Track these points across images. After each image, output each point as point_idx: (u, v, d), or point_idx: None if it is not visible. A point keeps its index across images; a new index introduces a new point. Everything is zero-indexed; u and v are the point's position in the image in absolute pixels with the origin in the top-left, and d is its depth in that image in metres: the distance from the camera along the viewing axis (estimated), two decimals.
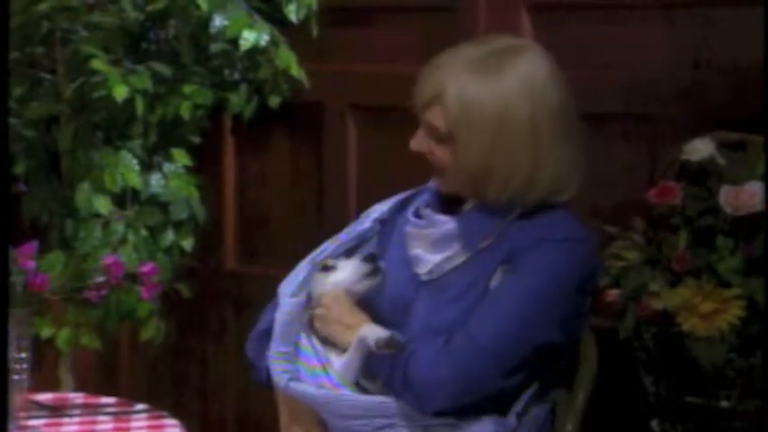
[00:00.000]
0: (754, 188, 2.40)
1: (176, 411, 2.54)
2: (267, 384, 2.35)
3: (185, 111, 3.16)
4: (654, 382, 2.52)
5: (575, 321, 2.24)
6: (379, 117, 3.19)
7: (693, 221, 2.45)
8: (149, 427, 2.44)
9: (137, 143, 3.19)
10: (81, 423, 2.45)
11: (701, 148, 2.52)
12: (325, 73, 3.32)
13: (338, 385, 2.25)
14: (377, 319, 2.28)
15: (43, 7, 2.99)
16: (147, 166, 3.22)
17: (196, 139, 3.34)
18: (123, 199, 3.18)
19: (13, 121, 3.07)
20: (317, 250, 2.39)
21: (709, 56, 2.74)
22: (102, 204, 3.13)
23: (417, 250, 2.31)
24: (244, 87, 3.32)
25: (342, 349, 2.28)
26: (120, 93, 2.97)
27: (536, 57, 2.24)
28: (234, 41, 3.15)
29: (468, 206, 2.31)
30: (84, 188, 3.12)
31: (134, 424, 2.45)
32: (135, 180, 3.16)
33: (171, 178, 3.25)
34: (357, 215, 2.51)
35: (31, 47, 3.07)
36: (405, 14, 3.27)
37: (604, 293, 2.46)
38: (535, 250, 2.20)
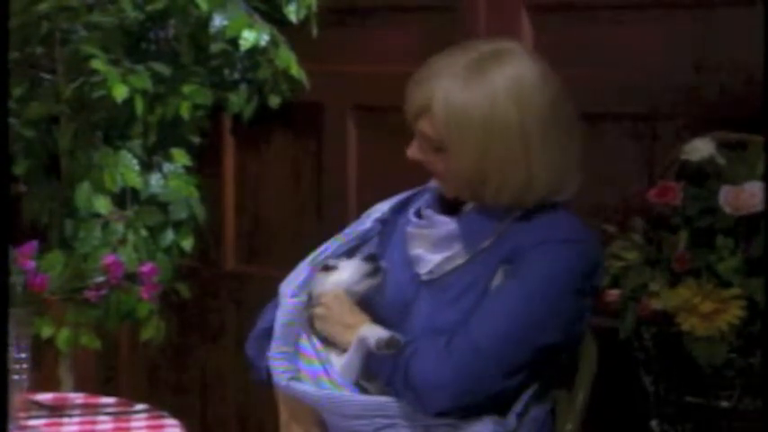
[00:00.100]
0: (754, 188, 2.40)
1: (176, 411, 2.54)
2: (267, 384, 2.35)
3: (185, 111, 3.15)
4: (654, 382, 2.52)
5: (575, 322, 2.24)
6: (379, 117, 3.19)
7: (693, 221, 2.45)
8: (149, 427, 2.44)
9: (136, 143, 3.19)
10: (81, 423, 2.45)
11: (701, 148, 2.51)
12: (325, 73, 3.32)
13: (338, 385, 2.25)
14: (377, 319, 2.28)
15: (43, 7, 2.99)
16: (146, 166, 3.22)
17: (196, 139, 3.34)
18: (123, 199, 3.18)
19: (13, 121, 3.07)
20: (318, 250, 2.39)
21: (709, 56, 2.74)
22: (102, 204, 3.13)
23: (418, 250, 2.31)
24: (244, 87, 3.32)
25: (342, 349, 2.28)
26: (120, 93, 2.96)
27: (524, 60, 2.23)
28: (234, 41, 3.15)
29: (468, 207, 2.31)
30: (84, 188, 3.12)
31: (134, 424, 2.45)
32: (135, 180, 3.16)
33: (171, 178, 3.25)
34: (357, 215, 2.51)
35: (31, 47, 3.07)
36: (405, 14, 3.27)
37: (604, 293, 2.46)
38: (536, 251, 2.20)
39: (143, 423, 2.46)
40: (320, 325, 2.31)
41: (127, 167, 3.16)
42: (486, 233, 2.26)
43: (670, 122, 2.77)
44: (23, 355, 2.31)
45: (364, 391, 2.26)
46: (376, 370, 2.24)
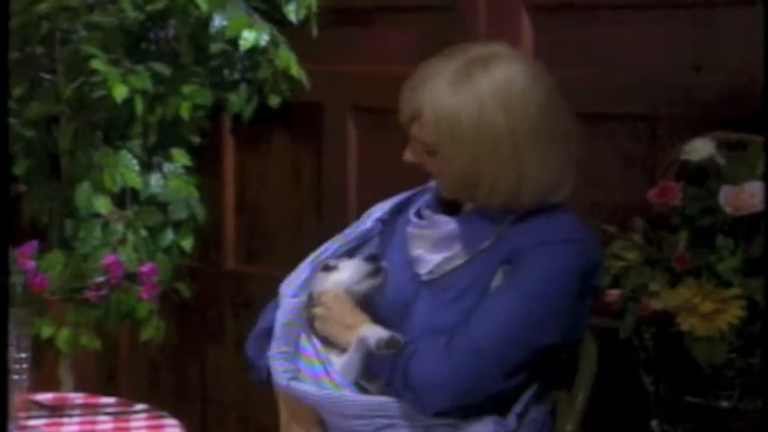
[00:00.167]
0: (754, 188, 2.40)
1: (176, 411, 2.54)
2: (267, 384, 2.35)
3: (185, 111, 3.16)
4: (654, 382, 2.52)
5: (575, 322, 2.24)
6: (379, 117, 3.19)
7: (693, 221, 2.45)
8: (149, 427, 2.44)
9: (136, 143, 3.19)
10: (81, 423, 2.45)
11: (700, 148, 2.51)
12: (325, 73, 3.32)
13: (339, 385, 2.25)
14: (377, 319, 2.28)
15: (43, 7, 2.99)
16: (146, 166, 3.22)
17: (196, 139, 3.34)
18: (123, 199, 3.18)
19: (13, 121, 3.07)
20: (319, 250, 2.39)
21: (709, 56, 2.74)
22: (102, 204, 3.13)
23: (418, 251, 2.31)
24: (244, 87, 3.32)
25: (342, 349, 2.28)
26: (120, 93, 2.96)
27: (514, 64, 2.23)
28: (234, 41, 3.15)
29: (468, 207, 2.31)
30: (84, 188, 3.12)
31: (134, 424, 2.45)
32: (135, 180, 3.16)
33: (170, 178, 3.25)
34: (357, 215, 2.51)
35: (31, 47, 3.07)
36: (405, 14, 3.27)
37: (604, 293, 2.46)
38: (535, 251, 2.20)
39: (143, 423, 2.46)
40: (320, 325, 2.31)
41: (127, 167, 3.16)
42: (485, 233, 2.26)
43: (670, 122, 2.77)
44: (23, 355, 2.32)
45: (364, 391, 2.26)
46: (376, 370, 2.24)
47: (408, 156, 2.30)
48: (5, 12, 2.28)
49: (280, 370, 2.29)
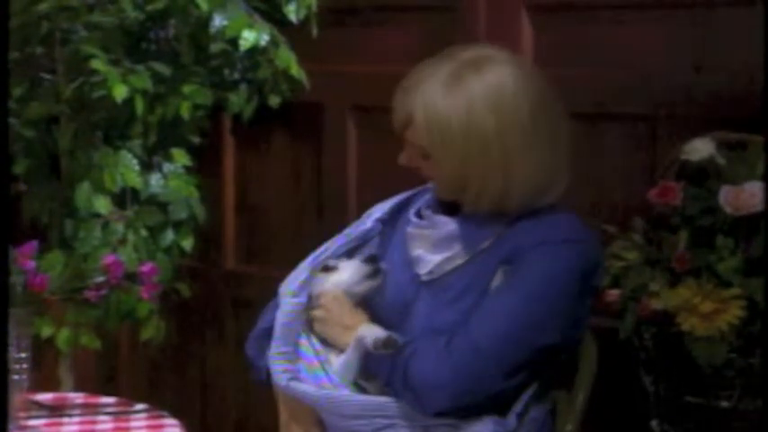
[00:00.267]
0: (754, 188, 2.40)
1: (176, 411, 2.54)
2: (267, 384, 2.35)
3: (185, 111, 3.15)
4: (654, 382, 2.52)
5: (575, 322, 2.24)
6: (379, 117, 3.18)
7: (693, 221, 2.45)
8: (149, 426, 2.44)
9: (136, 143, 3.19)
10: (81, 423, 2.45)
11: (700, 148, 2.51)
12: (325, 73, 3.32)
13: (338, 385, 2.25)
14: (378, 319, 2.28)
15: (43, 7, 2.99)
16: (146, 166, 3.22)
17: (196, 139, 3.34)
18: (123, 199, 3.18)
19: (13, 121, 3.07)
20: (319, 250, 2.40)
21: (709, 56, 2.74)
22: (102, 204, 3.13)
23: (418, 251, 2.31)
24: (244, 87, 3.32)
25: (341, 350, 2.28)
26: (120, 93, 2.96)
27: (505, 68, 2.23)
28: (234, 41, 3.15)
29: (468, 207, 2.31)
30: (84, 188, 3.12)
31: (134, 424, 2.45)
32: (135, 180, 3.16)
33: (171, 178, 3.25)
34: (357, 215, 2.51)
35: (31, 47, 3.07)
36: (405, 14, 3.27)
37: (604, 293, 2.46)
38: (535, 251, 2.20)
39: (143, 423, 2.46)
40: (319, 327, 2.31)
41: (127, 167, 3.16)
42: (485, 234, 2.26)
43: (670, 122, 2.77)
44: (23, 355, 2.32)
45: (363, 391, 2.26)
46: (375, 370, 2.24)
47: (403, 160, 2.31)
48: (5, 12, 2.28)
49: (279, 370, 2.29)
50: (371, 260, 2.33)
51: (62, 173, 3.16)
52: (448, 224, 2.29)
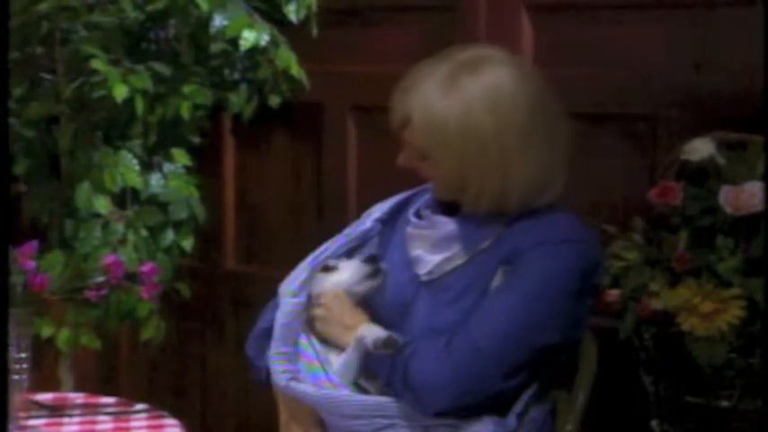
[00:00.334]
0: (754, 188, 2.40)
1: (176, 411, 2.54)
2: (267, 384, 2.35)
3: (185, 111, 3.15)
4: (654, 382, 2.52)
5: (575, 322, 2.24)
6: (379, 117, 3.18)
7: (693, 221, 2.45)
8: (149, 427, 2.44)
9: (137, 143, 3.19)
10: (81, 423, 2.45)
11: (700, 148, 2.51)
12: (325, 73, 3.32)
13: (338, 385, 2.25)
14: (378, 319, 2.28)
15: (43, 7, 2.99)
16: (146, 166, 3.22)
17: (196, 139, 3.34)
18: (123, 199, 3.18)
19: (13, 121, 3.07)
20: (318, 250, 2.40)
21: (709, 56, 2.74)
22: (102, 204, 3.13)
23: (418, 251, 2.31)
24: (244, 87, 3.32)
25: (341, 349, 2.28)
26: (120, 93, 2.96)
27: (502, 68, 2.23)
28: (234, 41, 3.15)
29: (467, 207, 2.31)
30: (84, 188, 3.12)
31: (134, 424, 2.45)
32: (135, 180, 3.16)
33: (171, 178, 3.25)
34: (357, 215, 2.51)
35: (31, 47, 3.07)
36: (405, 14, 3.27)
37: (604, 293, 2.46)
38: (535, 251, 2.20)
39: (143, 423, 2.46)
40: (320, 326, 2.31)
41: (127, 167, 3.16)
42: (485, 234, 2.26)
43: (670, 122, 2.77)
44: (23, 355, 2.32)
45: (364, 390, 2.26)
46: (375, 370, 2.24)
47: (402, 161, 2.31)
48: (5, 12, 2.28)
49: (279, 370, 2.29)
50: (371, 260, 2.33)
51: (62, 173, 3.16)
52: (447, 224, 2.29)
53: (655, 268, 2.46)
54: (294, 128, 3.50)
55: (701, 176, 2.50)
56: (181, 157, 3.26)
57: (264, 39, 3.16)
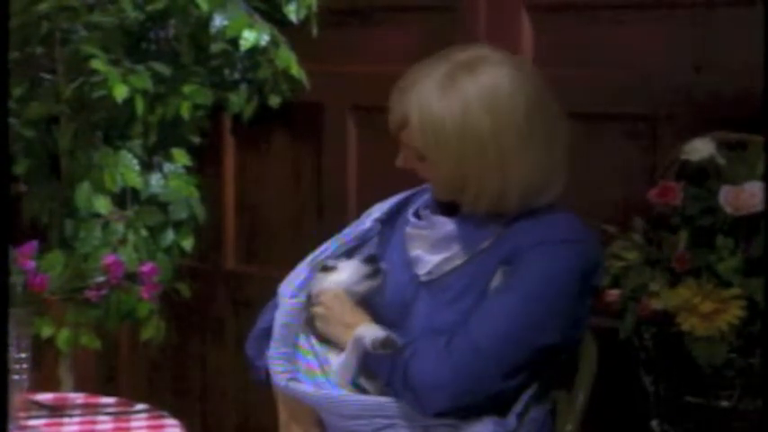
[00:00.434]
0: (754, 188, 2.40)
1: (176, 411, 2.54)
2: (266, 384, 2.35)
3: (185, 111, 3.15)
4: (654, 382, 2.52)
5: (575, 322, 2.24)
6: (379, 117, 3.18)
7: (693, 221, 2.45)
8: (149, 427, 2.44)
9: (137, 143, 3.19)
10: (81, 423, 2.45)
11: (700, 148, 2.51)
12: (325, 73, 3.32)
13: (337, 385, 2.25)
14: (378, 319, 2.28)
15: (43, 7, 2.99)
16: (147, 166, 3.22)
17: (196, 139, 3.34)
18: (123, 199, 3.18)
19: (13, 121, 3.07)
20: (318, 250, 2.40)
21: (708, 56, 2.74)
22: (102, 204, 3.13)
23: (417, 251, 2.31)
24: (244, 87, 3.32)
25: (341, 349, 2.28)
26: (120, 93, 2.96)
27: (501, 68, 2.23)
28: (234, 41, 3.15)
29: (466, 208, 2.31)
30: (84, 188, 3.12)
31: (134, 424, 2.45)
32: (135, 180, 3.16)
33: (171, 178, 3.25)
34: (357, 215, 2.51)
35: (31, 47, 3.07)
36: (405, 14, 3.27)
37: (604, 293, 2.46)
38: (534, 251, 2.20)
39: (143, 423, 2.46)
40: (321, 325, 2.31)
41: (127, 167, 3.16)
42: (484, 234, 2.26)
43: (670, 122, 2.77)
44: (23, 355, 2.31)
45: (363, 390, 2.26)
46: (374, 370, 2.24)
47: (400, 162, 2.31)
48: (5, 12, 2.28)
49: (278, 370, 2.29)
50: (371, 260, 2.33)
51: (62, 173, 3.16)
52: (446, 224, 2.29)
53: (655, 268, 2.46)
54: (294, 128, 3.50)
55: (701, 176, 2.50)
56: (181, 157, 3.26)
57: (264, 39, 3.16)
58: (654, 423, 2.53)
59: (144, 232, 3.18)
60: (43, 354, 3.06)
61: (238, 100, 3.31)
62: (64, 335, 3.02)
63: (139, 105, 3.02)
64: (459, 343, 2.17)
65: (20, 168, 3.16)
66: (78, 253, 3.08)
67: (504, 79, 2.21)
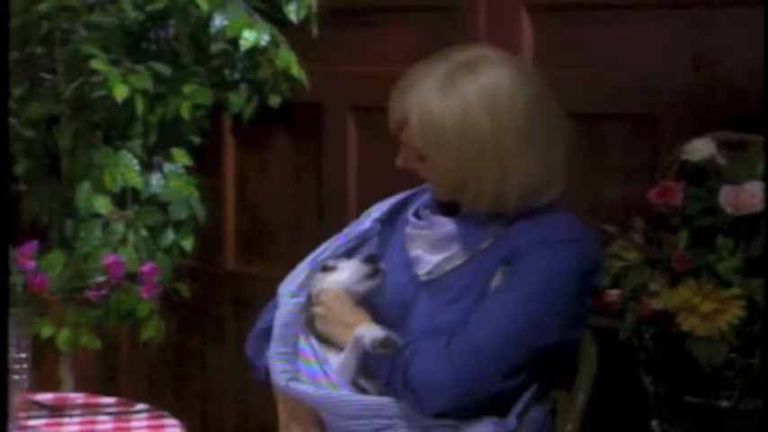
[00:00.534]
0: (754, 188, 2.40)
1: (176, 411, 2.54)
2: (266, 384, 2.35)
3: (185, 111, 3.16)
4: (654, 382, 2.52)
5: (575, 322, 2.24)
6: (379, 117, 3.18)
7: (693, 221, 2.45)
8: (149, 427, 2.44)
9: (137, 143, 3.19)
10: (81, 423, 2.45)
11: (700, 148, 2.51)
12: (325, 73, 3.32)
13: (336, 385, 2.25)
14: (378, 319, 2.28)
15: (43, 7, 2.99)
16: (147, 166, 3.22)
17: (196, 139, 3.34)
18: (123, 199, 3.18)
19: (13, 121, 3.07)
20: (318, 250, 2.39)
21: (709, 56, 2.74)
22: (102, 204, 3.13)
23: (417, 251, 2.31)
24: (244, 87, 3.32)
25: (341, 349, 2.28)
26: (120, 93, 2.97)
27: (500, 68, 2.22)
28: (234, 41, 3.15)
29: (466, 208, 2.31)
30: (84, 188, 3.12)
31: (134, 424, 2.45)
32: (135, 180, 3.16)
33: (171, 178, 3.25)
34: (357, 215, 2.51)
35: (31, 47, 3.07)
36: (405, 14, 3.27)
37: (604, 293, 2.46)
38: (534, 251, 2.20)
39: (143, 423, 2.46)
40: (321, 325, 2.31)
41: (127, 167, 3.16)
42: (484, 234, 2.26)
43: (670, 122, 2.77)
44: (23, 355, 2.31)
45: (363, 390, 2.26)
46: (374, 370, 2.24)
47: (400, 162, 2.31)
48: (5, 12, 2.28)
49: (278, 370, 2.29)
50: (370, 260, 2.33)
51: (62, 173, 3.16)
52: (446, 224, 2.29)
53: (655, 268, 2.46)
54: (294, 128, 3.50)
55: (701, 176, 2.50)
56: (181, 157, 3.26)
57: (264, 39, 3.16)
58: (654, 423, 2.53)
59: (144, 232, 3.18)
60: (43, 354, 3.06)
61: (238, 100, 3.32)
62: (64, 335, 3.02)
63: (139, 105, 3.02)
64: (459, 343, 2.17)
65: (20, 168, 3.16)
66: (78, 253, 3.08)
67: (504, 79, 2.21)
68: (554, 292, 2.19)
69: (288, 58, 3.21)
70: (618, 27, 2.87)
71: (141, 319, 3.02)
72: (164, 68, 3.11)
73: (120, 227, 3.15)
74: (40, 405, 2.51)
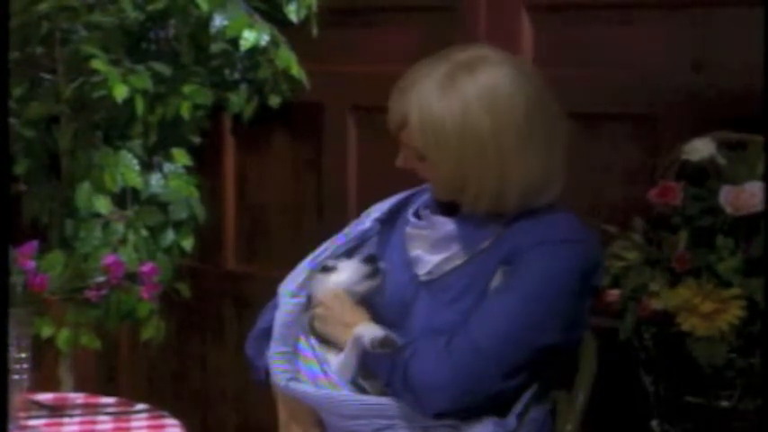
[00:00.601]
0: (754, 188, 2.40)
1: (176, 411, 2.54)
2: (266, 384, 2.35)
3: (185, 111, 3.16)
4: (654, 382, 2.52)
5: (575, 322, 2.24)
6: (379, 117, 3.18)
7: (693, 221, 2.45)
8: (149, 427, 2.44)
9: (137, 143, 3.20)
10: (81, 423, 2.45)
11: (700, 148, 2.51)
12: (325, 73, 3.32)
13: (336, 385, 2.25)
14: (378, 319, 2.28)
15: (43, 7, 2.99)
16: (147, 166, 3.22)
17: (196, 139, 3.34)
18: (123, 199, 3.18)
19: (13, 121, 3.07)
20: (318, 250, 2.40)
21: (709, 56, 2.74)
22: (102, 204, 3.13)
23: (417, 251, 2.31)
24: (244, 87, 3.32)
25: (340, 349, 2.28)
26: (120, 93, 2.97)
27: (500, 68, 2.22)
28: (234, 41, 3.15)
29: (466, 208, 2.31)
30: (84, 188, 3.13)
31: (134, 424, 2.45)
32: (135, 180, 3.16)
33: (171, 178, 3.25)
34: (357, 215, 2.51)
35: (31, 47, 3.07)
36: (405, 14, 3.27)
37: (604, 293, 2.46)
38: (534, 251, 2.20)
39: (143, 423, 2.46)
40: (320, 325, 2.31)
41: (127, 167, 3.16)
42: (484, 234, 2.26)
43: (670, 122, 2.77)
44: (23, 355, 2.32)
45: (363, 390, 2.26)
46: (374, 369, 2.24)
47: (400, 162, 2.31)
48: (5, 12, 2.28)
49: (278, 370, 2.29)
50: (370, 260, 2.33)
51: (62, 173, 3.16)
52: (446, 224, 2.29)
53: (655, 268, 2.46)
54: (294, 128, 3.50)
55: (701, 176, 2.50)
56: (181, 157, 3.27)
57: (264, 39, 3.16)
58: (654, 423, 2.53)
59: (144, 232, 3.18)
60: (43, 354, 3.06)
61: (238, 100, 3.32)
62: (64, 335, 3.02)
63: (139, 105, 3.02)
64: (459, 343, 2.17)
65: (20, 168, 3.16)
66: (78, 253, 3.08)
67: (504, 79, 2.21)
68: (554, 292, 2.19)
69: (288, 58, 3.21)
70: (618, 27, 2.87)
71: (141, 319, 3.02)
72: (164, 68, 3.11)
73: (120, 227, 3.15)
74: (40, 405, 2.51)
